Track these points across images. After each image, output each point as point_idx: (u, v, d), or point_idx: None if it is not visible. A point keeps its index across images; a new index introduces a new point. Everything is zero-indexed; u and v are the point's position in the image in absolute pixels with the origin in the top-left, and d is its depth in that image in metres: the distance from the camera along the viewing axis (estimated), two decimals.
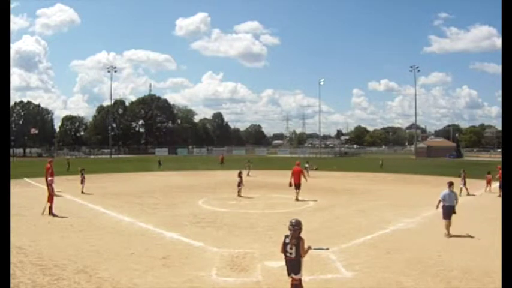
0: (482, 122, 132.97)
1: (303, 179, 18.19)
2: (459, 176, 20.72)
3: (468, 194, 20.00)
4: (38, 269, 8.11)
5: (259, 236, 11.21)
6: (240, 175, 19.60)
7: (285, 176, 26.67)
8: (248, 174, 29.85)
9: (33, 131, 78.06)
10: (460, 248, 9.93)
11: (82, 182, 21.13)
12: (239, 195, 18.88)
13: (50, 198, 14.24)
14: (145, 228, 12.19)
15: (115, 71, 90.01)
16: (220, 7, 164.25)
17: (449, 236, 10.91)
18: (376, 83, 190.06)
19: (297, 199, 17.72)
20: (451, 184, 11.61)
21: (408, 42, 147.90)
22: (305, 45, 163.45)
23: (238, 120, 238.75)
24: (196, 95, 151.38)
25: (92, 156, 77.44)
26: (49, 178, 14.70)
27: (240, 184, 19.18)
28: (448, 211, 11.15)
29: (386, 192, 21.09)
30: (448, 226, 11.03)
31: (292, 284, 5.87)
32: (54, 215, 13.87)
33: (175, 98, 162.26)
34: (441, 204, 11.34)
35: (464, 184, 20.47)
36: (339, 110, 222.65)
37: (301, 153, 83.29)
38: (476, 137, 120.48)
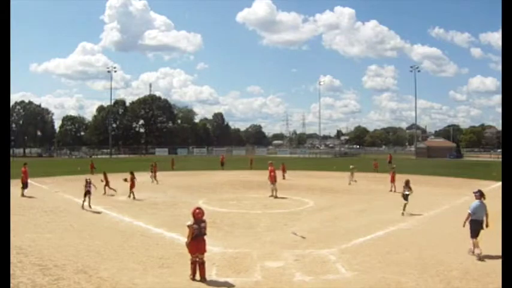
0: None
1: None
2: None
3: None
4: (38, 269, 8.10)
5: (259, 236, 11.22)
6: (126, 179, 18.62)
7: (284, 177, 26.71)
8: (152, 176, 26.92)
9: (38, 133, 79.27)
10: (460, 248, 9.91)
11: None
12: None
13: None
14: (145, 228, 12.19)
15: (115, 71, 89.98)
16: None
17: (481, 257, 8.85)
18: None
19: (275, 196, 18.68)
20: (481, 194, 9.37)
21: None
22: None
23: None
24: None
25: (93, 156, 77.37)
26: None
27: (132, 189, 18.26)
28: (476, 227, 9.11)
29: (386, 193, 21.08)
30: (476, 244, 9.00)
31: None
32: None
33: None
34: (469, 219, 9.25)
35: (393, 181, 21.31)
36: None
37: (301, 154, 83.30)
38: (476, 137, 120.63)
